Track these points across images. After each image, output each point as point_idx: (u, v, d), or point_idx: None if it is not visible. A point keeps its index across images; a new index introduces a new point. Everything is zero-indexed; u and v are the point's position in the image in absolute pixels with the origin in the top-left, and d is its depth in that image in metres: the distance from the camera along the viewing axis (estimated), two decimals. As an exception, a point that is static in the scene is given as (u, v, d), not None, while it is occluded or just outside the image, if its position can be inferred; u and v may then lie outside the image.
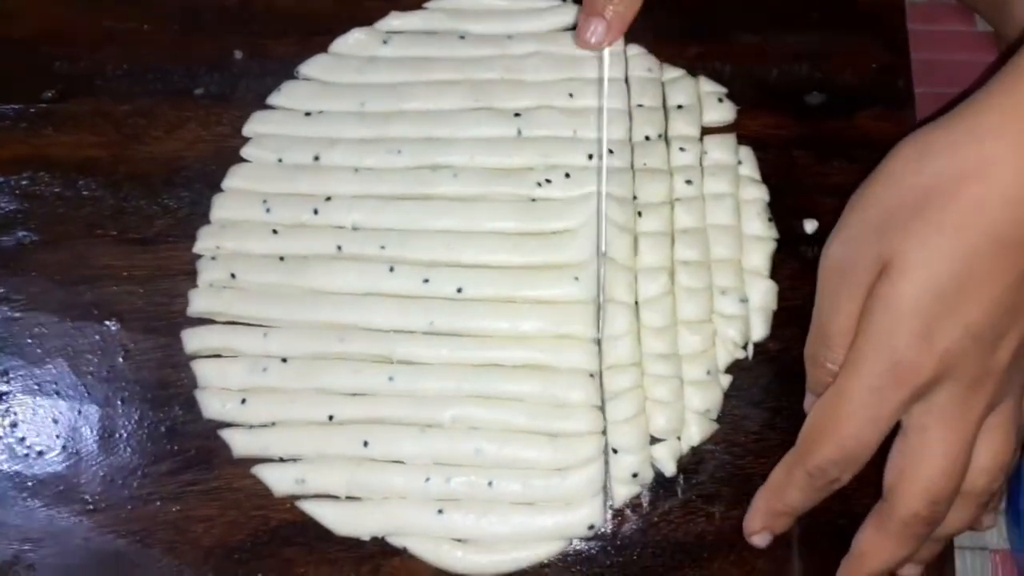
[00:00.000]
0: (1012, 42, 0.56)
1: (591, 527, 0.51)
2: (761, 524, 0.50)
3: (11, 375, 0.54)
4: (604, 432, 0.52)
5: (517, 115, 0.57)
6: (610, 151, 0.56)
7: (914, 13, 0.62)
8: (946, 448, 0.45)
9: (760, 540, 0.51)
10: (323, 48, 0.60)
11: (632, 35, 0.58)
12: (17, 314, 0.55)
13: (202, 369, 0.54)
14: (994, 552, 0.54)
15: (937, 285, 0.44)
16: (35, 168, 0.58)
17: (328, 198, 0.56)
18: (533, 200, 0.56)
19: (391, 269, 0.55)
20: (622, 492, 0.52)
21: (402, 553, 0.51)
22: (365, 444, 0.52)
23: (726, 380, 0.54)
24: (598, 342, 0.53)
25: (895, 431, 0.47)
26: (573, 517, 0.51)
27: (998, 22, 0.60)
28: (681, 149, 0.57)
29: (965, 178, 0.44)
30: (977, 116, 0.45)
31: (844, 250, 0.48)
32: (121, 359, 0.54)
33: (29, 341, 0.55)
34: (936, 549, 0.50)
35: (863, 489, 0.49)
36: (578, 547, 0.52)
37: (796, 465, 0.48)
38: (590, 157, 0.56)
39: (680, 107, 0.58)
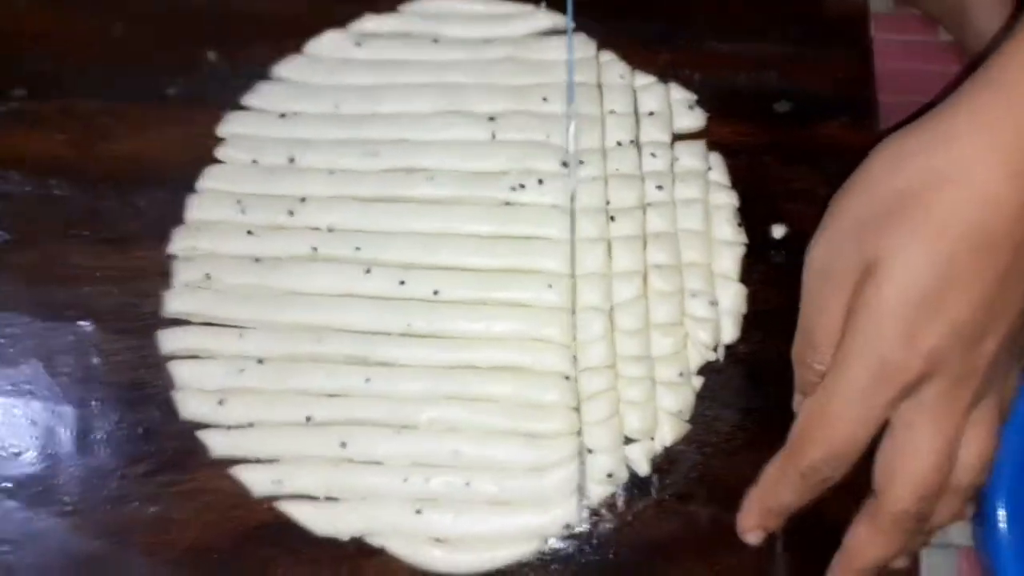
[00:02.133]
0: (977, 50, 0.57)
1: (567, 526, 0.52)
2: (755, 522, 0.51)
3: (-16, 377, 0.54)
4: (579, 433, 0.53)
5: (491, 119, 0.58)
6: (581, 162, 0.57)
7: (879, 24, 0.64)
8: (933, 445, 0.46)
9: (753, 538, 0.52)
10: (297, 49, 0.60)
11: (604, 42, 0.60)
12: (-11, 315, 0.55)
13: (179, 370, 0.54)
14: (959, 550, 0.55)
15: (919, 286, 0.45)
16: (5, 167, 0.57)
17: (303, 199, 0.56)
18: (507, 204, 0.56)
19: (367, 271, 0.55)
20: (597, 492, 0.53)
21: (381, 553, 0.52)
22: (343, 445, 0.52)
23: (698, 382, 0.55)
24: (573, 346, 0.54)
25: (884, 428, 0.48)
26: (549, 516, 0.52)
27: (960, 33, 0.61)
28: (652, 155, 0.58)
29: (942, 181, 0.45)
30: (951, 120, 0.46)
31: (827, 254, 0.49)
32: (96, 360, 0.54)
33: (2, 342, 0.54)
34: (924, 540, 0.51)
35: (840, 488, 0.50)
36: (555, 546, 0.53)
37: (788, 465, 0.49)
38: (564, 165, 0.57)
39: (651, 113, 0.59)
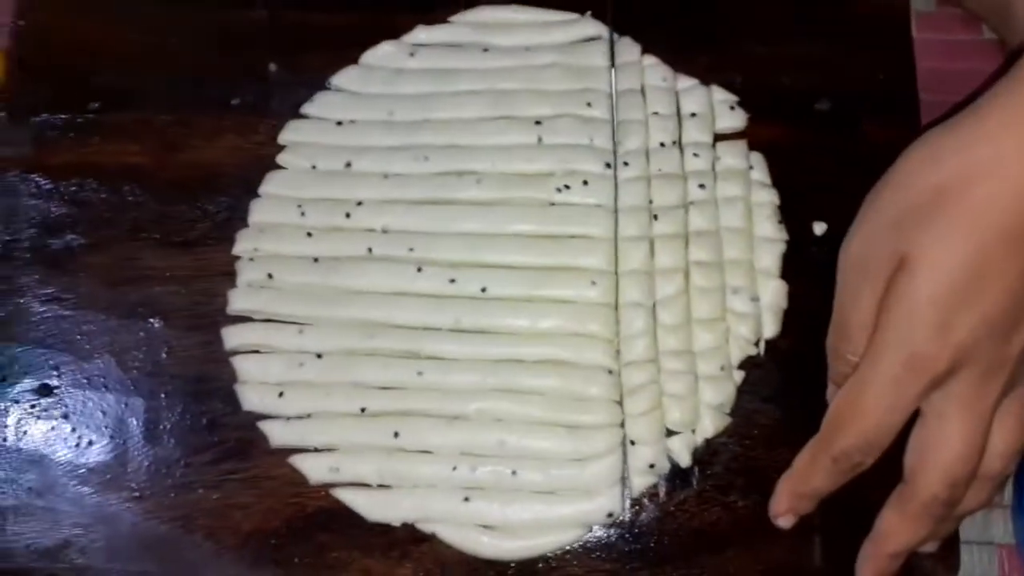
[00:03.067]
0: (1016, 47, 0.57)
1: (610, 515, 0.53)
2: (786, 507, 0.52)
3: (61, 370, 0.57)
4: (622, 425, 0.55)
5: (537, 123, 0.60)
6: (625, 163, 0.58)
7: (922, 22, 0.64)
8: (963, 434, 0.47)
9: (785, 522, 0.53)
10: (353, 60, 0.63)
11: (648, 46, 0.62)
12: (67, 313, 0.58)
13: (242, 364, 0.57)
14: (1000, 546, 0.55)
15: (952, 279, 0.46)
16: (83, 175, 0.61)
17: (359, 203, 0.59)
18: (552, 204, 0.58)
19: (419, 270, 0.57)
20: (639, 482, 0.54)
21: (430, 538, 0.54)
22: (396, 435, 0.54)
23: (739, 376, 0.56)
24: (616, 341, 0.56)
25: (915, 416, 0.49)
26: (593, 505, 0.53)
27: (1003, 30, 0.61)
28: (695, 155, 0.59)
29: (977, 176, 0.46)
30: (986, 116, 0.47)
31: (863, 247, 0.50)
32: (164, 355, 0.57)
33: (78, 338, 0.58)
34: (953, 527, 0.52)
35: (878, 476, 0.50)
36: (598, 534, 0.54)
37: (821, 451, 0.50)
38: (607, 165, 0.58)
39: (693, 115, 0.60)
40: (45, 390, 0.57)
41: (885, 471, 0.50)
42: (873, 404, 0.48)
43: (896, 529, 0.50)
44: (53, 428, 0.56)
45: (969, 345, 0.46)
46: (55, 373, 0.57)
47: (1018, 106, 0.46)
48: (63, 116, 0.62)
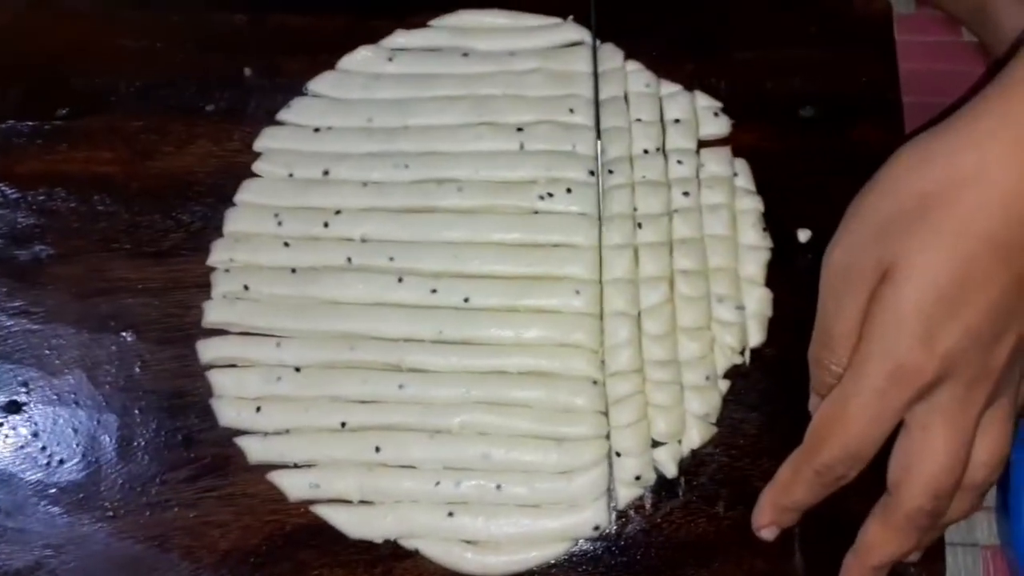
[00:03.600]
0: (1000, 50, 0.58)
1: (596, 528, 0.53)
2: (769, 519, 0.52)
3: (31, 386, 0.56)
4: (608, 436, 0.54)
5: (519, 130, 0.59)
6: (609, 171, 0.58)
7: (902, 25, 0.64)
8: (948, 445, 0.46)
9: (768, 534, 0.52)
10: (331, 65, 0.62)
11: (631, 51, 0.61)
12: (35, 326, 0.57)
13: (217, 378, 0.55)
14: (984, 548, 0.55)
15: (938, 288, 0.45)
16: (51, 184, 0.59)
17: (338, 211, 0.58)
18: (536, 213, 0.57)
19: (400, 280, 0.56)
20: (625, 494, 0.54)
21: (414, 555, 0.53)
22: (377, 450, 0.53)
23: (724, 385, 0.56)
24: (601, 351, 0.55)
25: (898, 428, 0.48)
26: (579, 518, 0.53)
27: (983, 32, 0.62)
28: (679, 162, 0.58)
29: (964, 183, 0.45)
30: (974, 123, 0.46)
31: (846, 255, 0.49)
32: (138, 369, 0.56)
33: (48, 352, 0.56)
34: (936, 536, 0.51)
35: (862, 487, 0.50)
36: (584, 547, 0.53)
37: (803, 463, 0.50)
38: (591, 173, 0.58)
39: (677, 121, 0.60)
40: (13, 407, 0.55)
41: (869, 482, 0.49)
42: (857, 415, 0.47)
43: (880, 541, 0.49)
44: (22, 446, 0.55)
45: (954, 356, 0.45)
46: (23, 389, 0.56)
47: (1005, 113, 0.46)
48: (30, 123, 0.61)
